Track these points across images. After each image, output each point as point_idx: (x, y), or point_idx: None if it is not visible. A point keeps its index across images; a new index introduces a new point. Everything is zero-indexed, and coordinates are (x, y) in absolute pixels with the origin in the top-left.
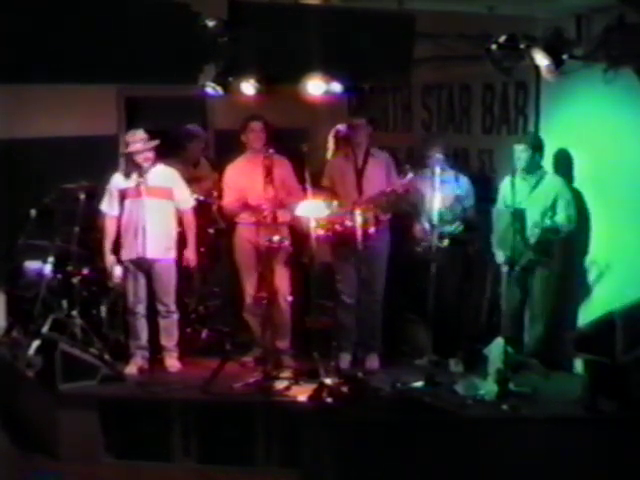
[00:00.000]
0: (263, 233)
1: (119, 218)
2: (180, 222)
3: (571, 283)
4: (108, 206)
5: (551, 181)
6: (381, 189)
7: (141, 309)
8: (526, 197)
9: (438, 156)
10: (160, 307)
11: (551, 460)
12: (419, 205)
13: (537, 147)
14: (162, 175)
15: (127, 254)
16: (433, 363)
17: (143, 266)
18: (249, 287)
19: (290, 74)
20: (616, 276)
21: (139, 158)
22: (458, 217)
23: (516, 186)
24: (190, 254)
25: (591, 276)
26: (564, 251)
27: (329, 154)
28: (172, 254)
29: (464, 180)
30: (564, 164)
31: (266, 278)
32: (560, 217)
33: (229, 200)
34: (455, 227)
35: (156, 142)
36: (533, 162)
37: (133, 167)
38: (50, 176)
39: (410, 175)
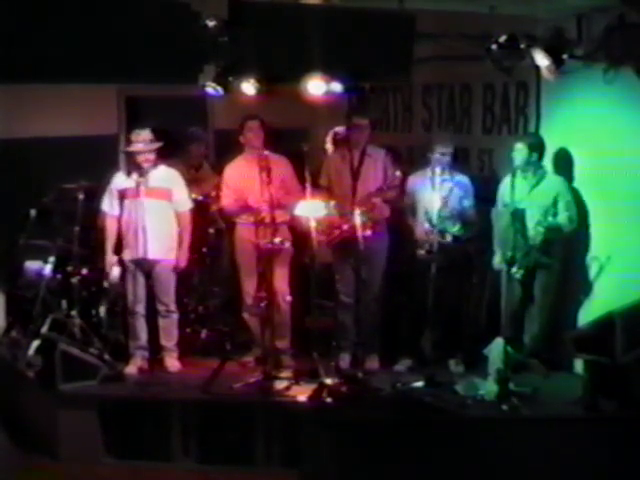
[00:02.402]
0: (262, 233)
1: (119, 218)
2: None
3: (571, 283)
4: (109, 206)
5: (551, 181)
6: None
7: (140, 309)
8: (526, 196)
9: (437, 156)
10: (160, 307)
11: (551, 460)
12: (416, 205)
13: (535, 146)
14: (163, 176)
15: (129, 254)
16: (409, 369)
17: (144, 266)
18: (249, 287)
19: (290, 74)
20: (616, 276)
21: (139, 158)
22: (457, 217)
23: (516, 185)
24: (181, 256)
25: (591, 276)
26: (564, 251)
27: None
28: (173, 255)
29: (463, 179)
30: (564, 164)
31: (266, 278)
32: (561, 217)
33: (228, 201)
34: (456, 228)
35: (158, 144)
36: (529, 161)
37: (134, 167)
38: (50, 176)
39: (398, 174)
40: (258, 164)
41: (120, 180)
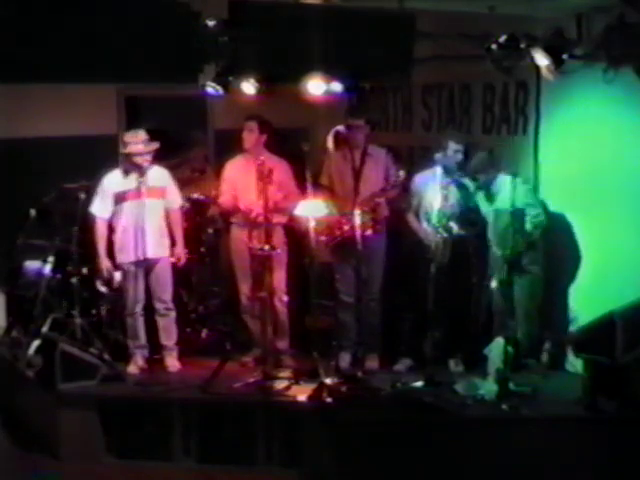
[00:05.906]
0: (255, 236)
1: (110, 221)
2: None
3: (557, 287)
4: (100, 208)
5: (504, 183)
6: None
7: (140, 309)
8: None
9: (450, 153)
10: (158, 305)
11: (551, 460)
12: (420, 205)
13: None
14: (158, 175)
15: (127, 257)
16: (409, 368)
17: (145, 266)
18: (244, 287)
19: (290, 74)
20: (615, 276)
21: (138, 159)
22: (462, 217)
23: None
24: (179, 252)
25: (588, 278)
26: (548, 256)
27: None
28: (168, 252)
29: (469, 180)
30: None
31: (261, 279)
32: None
33: (226, 197)
34: (458, 227)
35: (157, 145)
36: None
37: (132, 167)
38: (50, 176)
39: (401, 173)
40: (255, 168)
41: (116, 181)
